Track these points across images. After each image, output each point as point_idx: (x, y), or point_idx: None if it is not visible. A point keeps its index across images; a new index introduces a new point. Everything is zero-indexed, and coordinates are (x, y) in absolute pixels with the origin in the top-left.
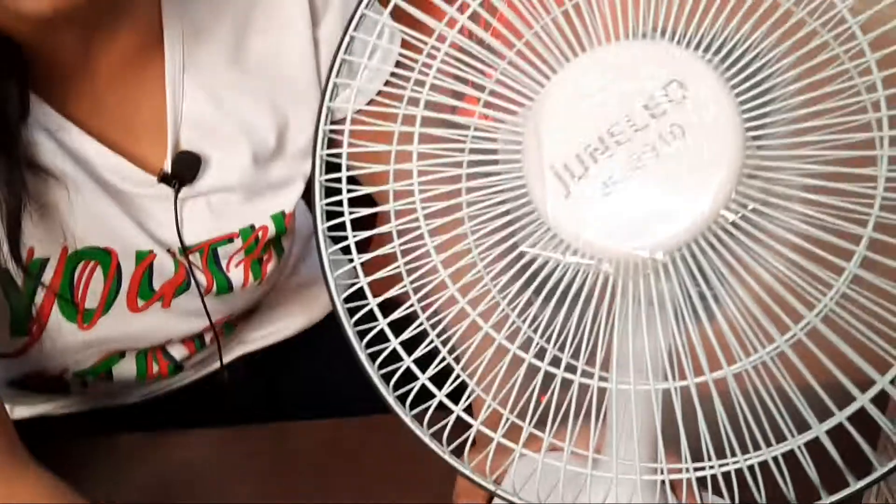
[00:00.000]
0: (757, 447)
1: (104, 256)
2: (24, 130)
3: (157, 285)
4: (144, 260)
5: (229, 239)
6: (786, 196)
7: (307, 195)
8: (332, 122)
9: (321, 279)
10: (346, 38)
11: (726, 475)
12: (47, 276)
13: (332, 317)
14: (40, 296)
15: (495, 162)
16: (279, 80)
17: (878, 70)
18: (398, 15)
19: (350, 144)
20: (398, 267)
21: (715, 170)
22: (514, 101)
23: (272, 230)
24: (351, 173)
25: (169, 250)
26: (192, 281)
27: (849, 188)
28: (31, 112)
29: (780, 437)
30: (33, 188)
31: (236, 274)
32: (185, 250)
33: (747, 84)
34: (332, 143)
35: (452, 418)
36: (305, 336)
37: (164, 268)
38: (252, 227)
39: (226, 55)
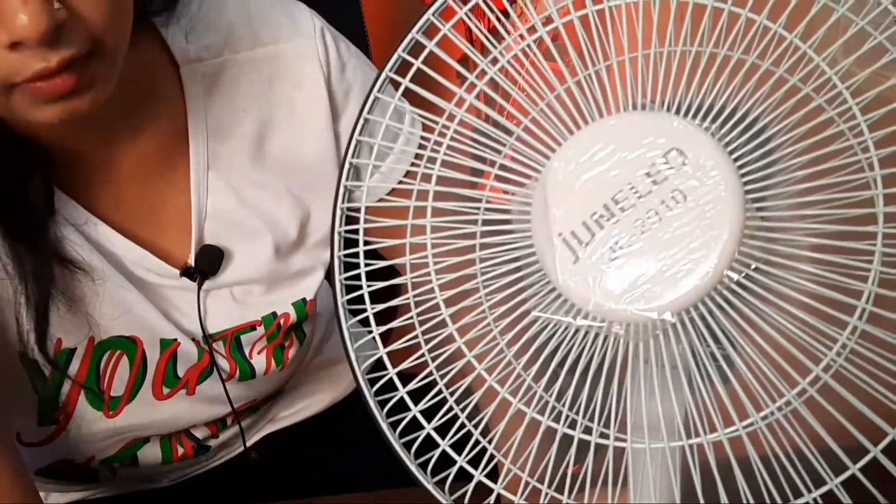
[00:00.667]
0: (774, 499)
1: (130, 345)
2: (51, 226)
3: (181, 372)
4: (169, 348)
5: (252, 327)
6: (790, 256)
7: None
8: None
9: (345, 358)
10: (361, 120)
11: None
12: (74, 366)
13: (354, 395)
14: (67, 387)
15: (507, 232)
16: (300, 174)
17: (868, 133)
18: (412, 98)
19: (367, 221)
20: (416, 337)
21: (717, 232)
22: (523, 174)
23: (293, 317)
24: (370, 248)
25: (193, 338)
26: (215, 367)
27: (850, 246)
28: (57, 208)
29: (797, 494)
30: (61, 281)
31: (259, 360)
32: (209, 338)
33: (745, 149)
34: (350, 221)
35: (473, 484)
36: (332, 411)
37: (188, 355)
38: (274, 314)
39: (248, 152)
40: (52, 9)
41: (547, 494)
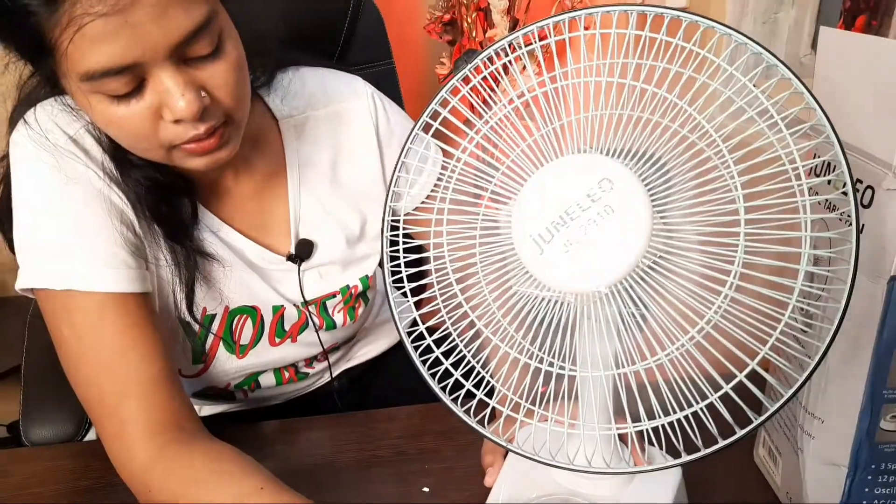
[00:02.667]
0: (675, 411)
1: (252, 311)
2: (196, 230)
3: (287, 327)
4: (278, 312)
5: (333, 295)
6: (683, 248)
7: (381, 262)
8: (394, 215)
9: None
10: (399, 162)
11: (655, 430)
12: (215, 326)
13: (401, 343)
14: (210, 339)
15: (497, 235)
16: (360, 193)
17: (734, 165)
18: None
19: (404, 228)
20: (437, 303)
21: (634, 233)
22: (507, 196)
23: (361, 287)
24: (407, 245)
25: (294, 304)
26: (311, 322)
27: (723, 241)
28: (199, 218)
29: (689, 405)
30: (202, 268)
31: (339, 317)
32: (306, 303)
33: (652, 178)
34: (395, 229)
35: (476, 400)
36: (386, 356)
37: (292, 316)
38: (347, 286)
39: (326, 177)
40: (200, 97)
41: (524, 406)
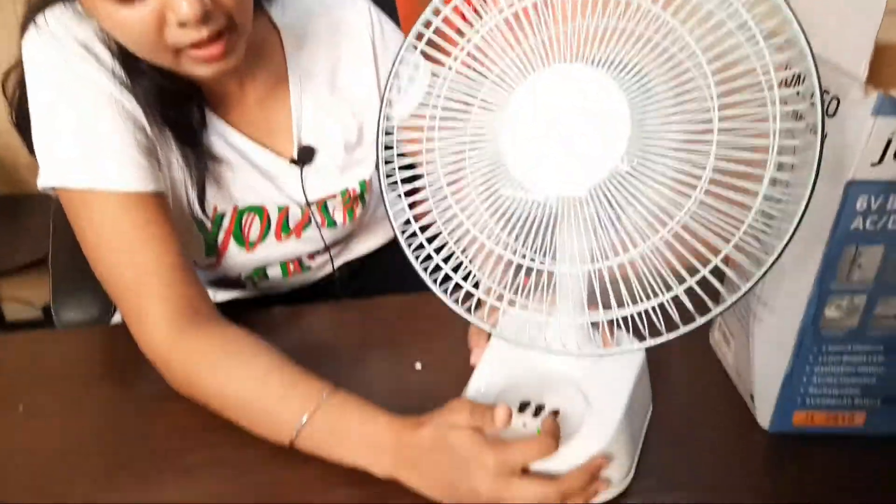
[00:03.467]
0: (643, 301)
1: (259, 210)
2: (204, 134)
3: (291, 225)
4: (283, 210)
5: (333, 196)
6: (659, 153)
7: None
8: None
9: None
10: (394, 70)
11: (625, 319)
12: (225, 222)
13: (396, 238)
14: (222, 235)
15: (486, 141)
16: (357, 98)
17: (712, 75)
18: (426, 56)
19: (398, 134)
20: (430, 204)
21: (615, 139)
22: (496, 104)
23: (358, 190)
24: (400, 151)
25: (298, 204)
26: (313, 220)
27: (697, 149)
28: (208, 123)
29: (657, 295)
30: (212, 169)
31: (339, 217)
32: (308, 204)
33: (633, 86)
34: (389, 135)
35: (463, 291)
36: (383, 250)
37: (296, 214)
38: (346, 189)
39: (325, 84)
40: (203, 0)
41: (506, 297)
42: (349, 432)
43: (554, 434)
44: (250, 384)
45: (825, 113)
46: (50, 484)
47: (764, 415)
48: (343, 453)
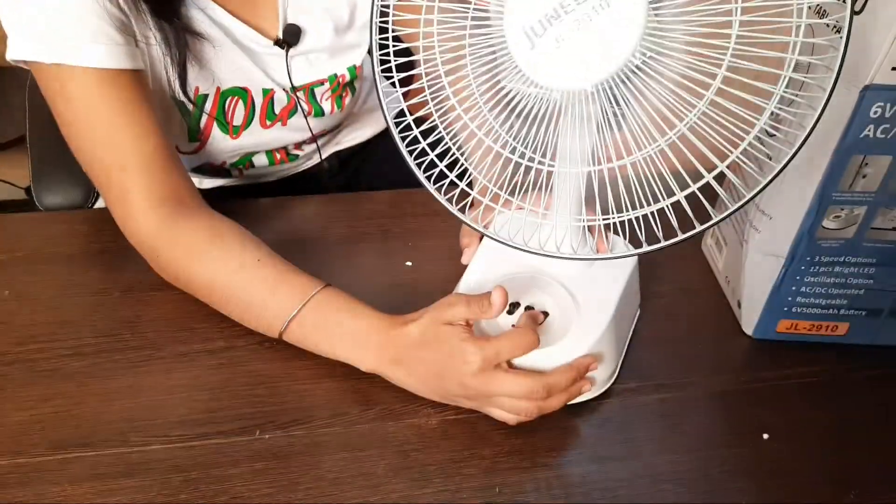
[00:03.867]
0: (643, 205)
1: (243, 93)
2: (183, 8)
3: (277, 111)
4: (268, 95)
5: (321, 83)
6: (672, 48)
7: (370, 50)
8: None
9: (380, 106)
10: None
11: (622, 223)
12: (208, 105)
13: (388, 130)
14: (204, 118)
15: (487, 27)
16: None
17: None
18: None
19: (394, 15)
20: (426, 95)
21: (627, 30)
22: None
23: (348, 76)
24: (395, 34)
25: (284, 89)
26: (299, 107)
27: (713, 42)
28: None
29: (658, 200)
30: (193, 47)
31: (326, 104)
32: (294, 89)
33: None
34: (384, 16)
35: (458, 190)
36: (373, 142)
37: (281, 99)
38: (335, 74)
39: None
40: None
41: (503, 196)
42: (336, 328)
43: (531, 326)
44: (237, 277)
45: (852, 9)
46: (38, 365)
47: (749, 321)
48: (329, 349)
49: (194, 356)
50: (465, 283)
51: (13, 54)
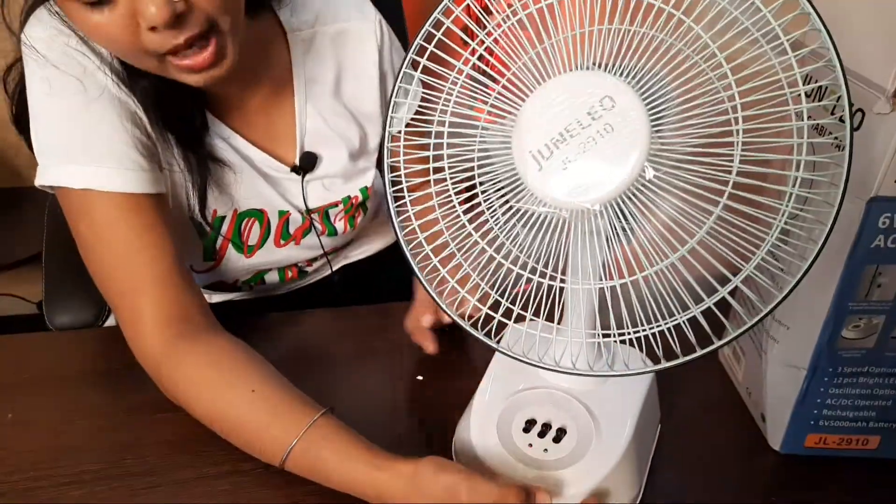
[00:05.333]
0: (657, 320)
1: (259, 215)
2: (207, 137)
3: (291, 231)
4: (284, 216)
5: (335, 204)
6: (676, 163)
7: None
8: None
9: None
10: (394, 91)
11: (638, 339)
12: (224, 227)
13: (397, 245)
14: (220, 239)
15: (495, 155)
16: (361, 108)
17: (732, 74)
18: (432, 58)
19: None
20: (437, 217)
21: (632, 151)
22: (506, 112)
23: (361, 198)
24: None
25: (299, 210)
26: (313, 228)
27: (717, 151)
28: (210, 126)
29: (672, 315)
30: (214, 173)
31: (339, 224)
32: (309, 211)
33: (650, 95)
34: (395, 141)
35: (460, 295)
36: (382, 255)
37: (296, 220)
38: (349, 196)
39: (330, 93)
40: (172, 2)
41: (514, 312)
42: (329, 470)
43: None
44: (237, 407)
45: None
46: (35, 495)
47: (775, 436)
48: (327, 484)
49: (197, 482)
50: (480, 401)
51: (44, 180)
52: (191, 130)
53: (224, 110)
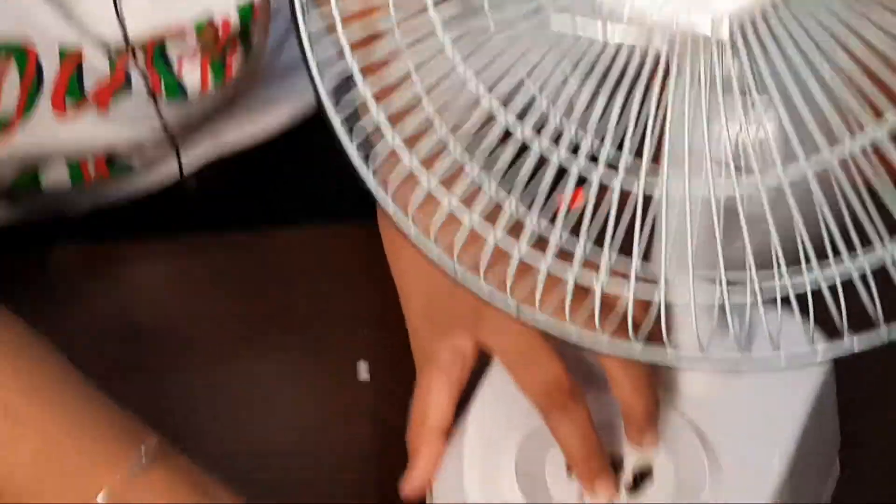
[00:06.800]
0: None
1: (18, 53)
2: None
3: (88, 86)
4: (70, 57)
5: (179, 32)
6: None
7: None
8: None
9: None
10: None
11: (803, 296)
12: None
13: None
14: None
15: None
16: None
17: None
18: None
19: None
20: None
21: None
22: None
23: (235, 21)
24: None
25: (103, 46)
26: (134, 81)
27: None
28: None
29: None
30: None
31: (192, 76)
32: (127, 47)
33: None
34: None
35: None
36: (289, 133)
37: (97, 68)
38: (210, 17)
39: None
40: None
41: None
42: None
43: None
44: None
45: None
46: None
47: None
48: None
49: None
50: (474, 434)
51: None
52: None
53: None
